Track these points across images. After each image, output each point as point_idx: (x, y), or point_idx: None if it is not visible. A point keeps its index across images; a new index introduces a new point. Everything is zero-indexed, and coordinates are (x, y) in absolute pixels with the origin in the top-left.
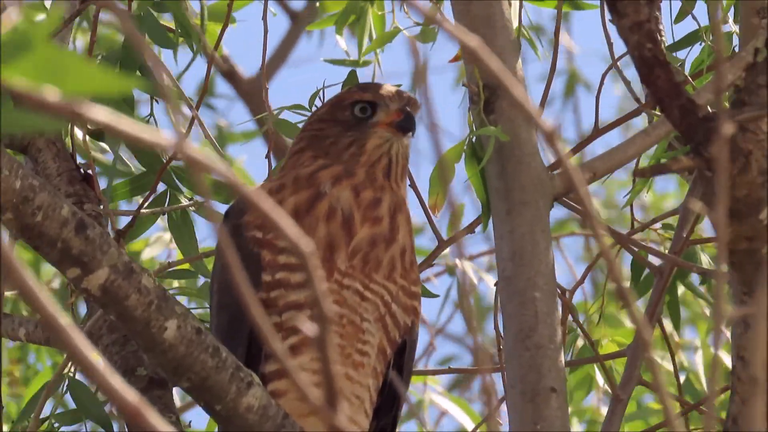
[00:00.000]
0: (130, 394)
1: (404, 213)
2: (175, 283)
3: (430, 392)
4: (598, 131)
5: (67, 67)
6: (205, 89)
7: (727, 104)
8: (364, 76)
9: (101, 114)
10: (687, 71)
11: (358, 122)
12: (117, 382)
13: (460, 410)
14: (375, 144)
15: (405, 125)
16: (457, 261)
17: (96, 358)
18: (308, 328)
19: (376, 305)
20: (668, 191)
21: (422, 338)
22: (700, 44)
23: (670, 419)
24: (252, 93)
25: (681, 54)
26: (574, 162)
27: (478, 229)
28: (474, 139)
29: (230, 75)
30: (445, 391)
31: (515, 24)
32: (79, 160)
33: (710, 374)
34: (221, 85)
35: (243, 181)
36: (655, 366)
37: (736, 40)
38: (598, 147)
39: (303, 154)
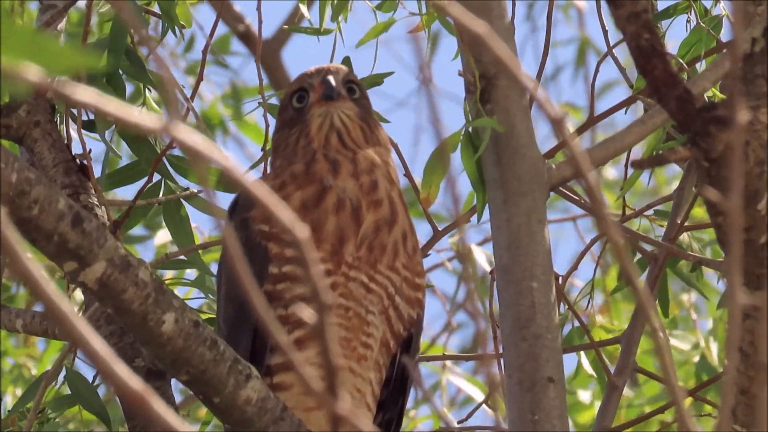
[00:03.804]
0: (134, 381)
1: (396, 187)
2: (169, 274)
3: (448, 372)
4: (593, 119)
5: (42, 47)
6: (203, 69)
7: (720, 95)
8: (358, 62)
9: (88, 95)
10: (671, 45)
11: (299, 114)
12: (121, 369)
13: (471, 385)
14: (316, 125)
15: (328, 92)
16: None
17: (100, 345)
18: (307, 314)
19: (380, 297)
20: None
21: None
22: (686, 23)
23: (676, 398)
24: (266, 54)
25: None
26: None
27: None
28: (470, 129)
29: (245, 36)
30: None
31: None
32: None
33: (723, 364)
34: (236, 46)
35: (236, 167)
36: (661, 345)
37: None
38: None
39: (275, 163)
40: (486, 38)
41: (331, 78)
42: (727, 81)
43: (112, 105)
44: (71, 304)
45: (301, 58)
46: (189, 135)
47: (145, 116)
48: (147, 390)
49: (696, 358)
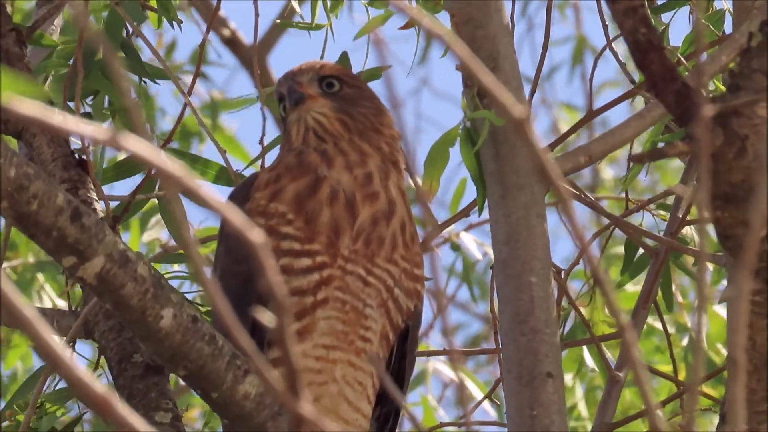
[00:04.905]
0: (97, 385)
1: (393, 178)
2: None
3: (434, 362)
4: (591, 113)
5: None
6: (200, 65)
7: (723, 87)
8: (356, 59)
9: (32, 108)
10: (671, 37)
11: (284, 121)
12: (83, 373)
13: (467, 378)
14: (294, 130)
15: (293, 98)
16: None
17: (60, 347)
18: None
19: (378, 290)
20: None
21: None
22: (690, 16)
23: (650, 410)
24: (252, 60)
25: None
26: (571, 140)
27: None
28: (469, 123)
29: (231, 42)
30: (447, 361)
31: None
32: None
33: (694, 357)
34: (222, 53)
35: (185, 173)
36: (632, 352)
37: (728, 19)
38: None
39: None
40: (446, 39)
41: (293, 84)
42: (725, 74)
43: (56, 118)
44: (31, 304)
45: (288, 63)
46: (137, 145)
47: (92, 128)
48: (110, 393)
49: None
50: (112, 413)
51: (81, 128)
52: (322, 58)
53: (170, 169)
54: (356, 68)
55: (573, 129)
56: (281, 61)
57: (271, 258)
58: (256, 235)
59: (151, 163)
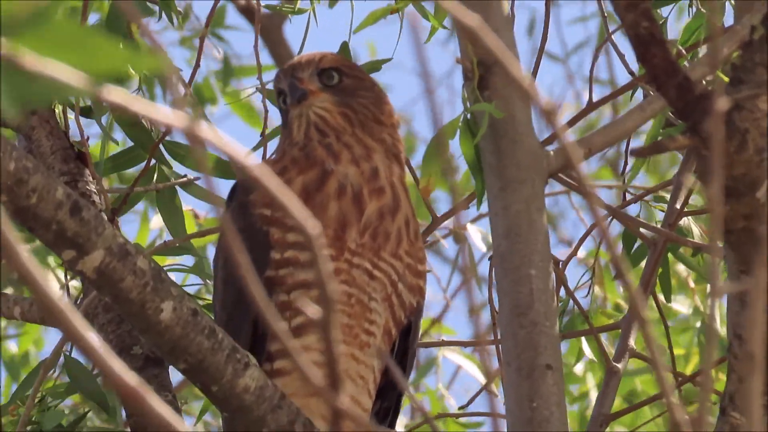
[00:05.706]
0: (129, 375)
1: (395, 173)
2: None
3: (443, 349)
4: (591, 105)
5: (88, 44)
6: (200, 56)
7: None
8: (358, 46)
9: (117, 95)
10: (670, 30)
11: (285, 114)
12: (115, 363)
13: (473, 365)
14: (296, 126)
15: (295, 96)
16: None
17: (94, 338)
18: (312, 310)
19: (383, 284)
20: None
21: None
22: (689, 9)
23: (665, 391)
24: (269, 28)
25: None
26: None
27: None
28: (468, 116)
29: (247, 10)
30: (459, 349)
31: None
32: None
33: (705, 349)
34: (237, 20)
35: (255, 163)
36: (650, 339)
37: (729, 10)
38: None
39: (279, 147)
40: (479, 31)
41: (294, 80)
42: (726, 66)
43: (138, 104)
44: (65, 296)
45: (302, 32)
46: (212, 133)
47: (170, 115)
48: (142, 385)
49: (698, 324)
50: (143, 405)
51: (160, 114)
52: (302, 47)
53: (241, 157)
54: (388, 48)
55: (573, 120)
56: (298, 31)
57: (324, 250)
58: (312, 226)
59: (223, 151)
